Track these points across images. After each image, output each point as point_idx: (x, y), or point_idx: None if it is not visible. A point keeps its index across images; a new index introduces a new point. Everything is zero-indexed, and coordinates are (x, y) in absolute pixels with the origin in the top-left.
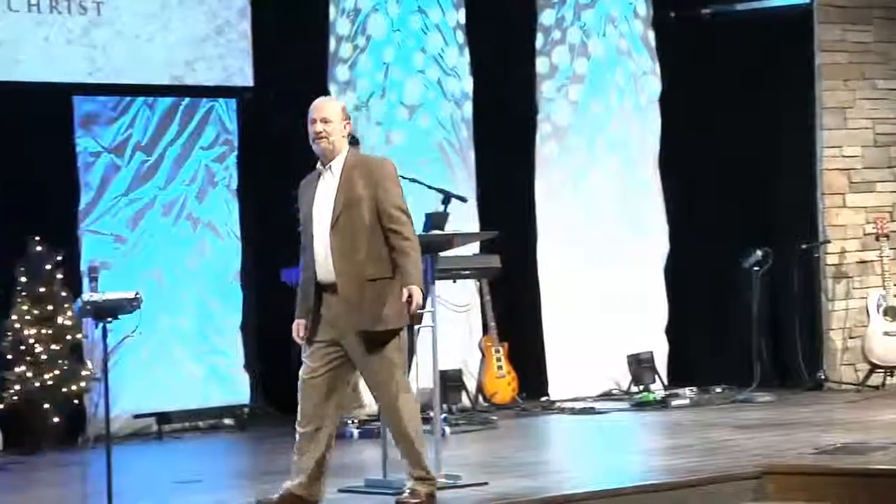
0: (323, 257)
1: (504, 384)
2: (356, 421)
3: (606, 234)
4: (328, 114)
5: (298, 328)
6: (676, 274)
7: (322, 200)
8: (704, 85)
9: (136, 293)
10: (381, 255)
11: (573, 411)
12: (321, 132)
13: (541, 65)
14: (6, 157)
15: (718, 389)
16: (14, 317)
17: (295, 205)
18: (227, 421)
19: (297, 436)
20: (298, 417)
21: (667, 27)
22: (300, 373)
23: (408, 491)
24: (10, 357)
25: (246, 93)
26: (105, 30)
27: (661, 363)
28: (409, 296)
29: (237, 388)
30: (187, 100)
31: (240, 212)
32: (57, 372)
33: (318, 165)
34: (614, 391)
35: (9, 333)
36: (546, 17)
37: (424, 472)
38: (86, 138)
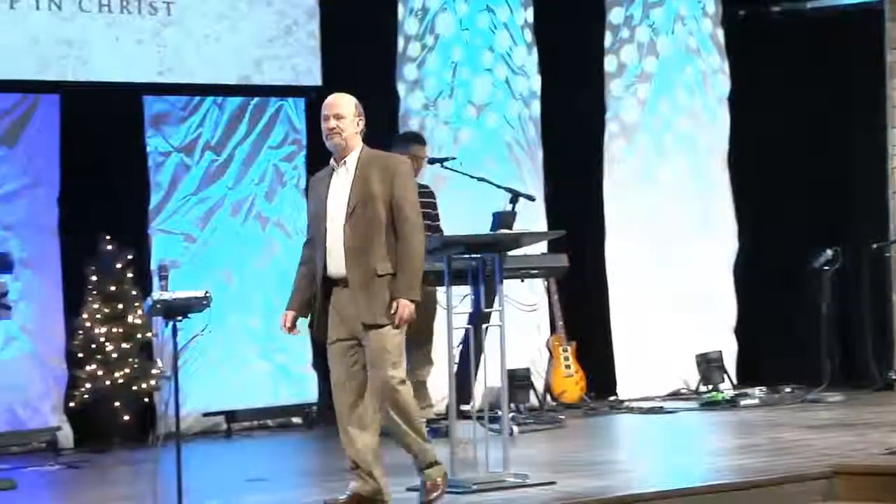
0: (336, 251)
1: (572, 383)
2: (424, 420)
3: (675, 232)
4: (341, 110)
5: (287, 319)
6: (746, 273)
7: (336, 196)
8: (774, 83)
9: (206, 292)
10: (391, 252)
11: (641, 411)
12: (334, 128)
13: (609, 63)
14: (78, 156)
15: (788, 389)
16: (85, 315)
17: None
18: (295, 419)
19: (342, 439)
20: (338, 421)
21: (736, 25)
22: (331, 377)
23: (429, 483)
24: (80, 355)
25: (314, 92)
26: (175, 30)
27: (731, 363)
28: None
29: (305, 387)
30: (256, 99)
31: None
32: (127, 370)
33: (332, 162)
34: (683, 391)
35: (80, 332)
36: (615, 15)
37: (434, 459)
38: (156, 138)
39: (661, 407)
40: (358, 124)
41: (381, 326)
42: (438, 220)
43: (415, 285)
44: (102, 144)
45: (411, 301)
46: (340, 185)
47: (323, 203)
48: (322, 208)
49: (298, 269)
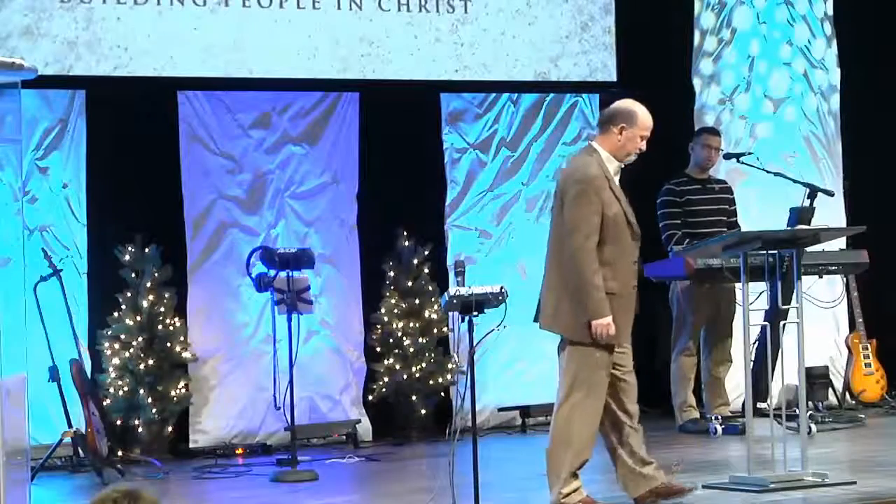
0: (633, 263)
1: (872, 382)
2: (720, 418)
3: None
4: None
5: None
6: None
7: (625, 208)
8: None
9: (502, 287)
10: None
11: None
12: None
13: None
14: (376, 153)
15: None
16: (383, 310)
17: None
18: None
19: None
20: (633, 416)
21: None
22: (600, 386)
23: None
24: (379, 349)
25: (609, 88)
26: (471, 28)
27: None
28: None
29: None
30: (551, 96)
31: None
32: (424, 365)
33: (612, 172)
34: None
35: (378, 326)
36: None
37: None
38: (453, 135)
39: None
40: None
41: None
42: (735, 217)
43: None
44: (400, 142)
45: None
46: (620, 199)
47: (621, 213)
48: (620, 217)
49: (599, 272)
